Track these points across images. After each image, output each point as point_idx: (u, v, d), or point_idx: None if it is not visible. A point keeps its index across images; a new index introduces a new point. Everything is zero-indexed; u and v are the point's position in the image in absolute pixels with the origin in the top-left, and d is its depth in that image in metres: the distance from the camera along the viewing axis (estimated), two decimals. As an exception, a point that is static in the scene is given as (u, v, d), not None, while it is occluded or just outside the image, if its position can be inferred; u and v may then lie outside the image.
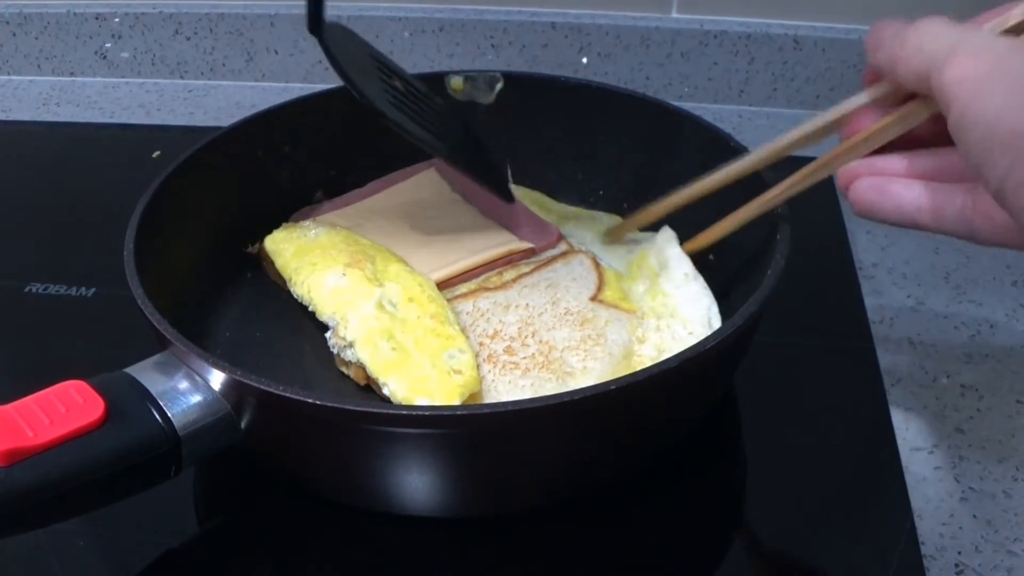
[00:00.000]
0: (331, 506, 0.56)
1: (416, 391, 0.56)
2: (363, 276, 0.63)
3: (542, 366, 0.59)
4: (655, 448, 0.57)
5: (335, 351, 0.62)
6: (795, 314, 0.68)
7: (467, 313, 0.64)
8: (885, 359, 0.66)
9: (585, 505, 0.56)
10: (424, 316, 0.61)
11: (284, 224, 0.71)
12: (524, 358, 0.60)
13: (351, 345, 0.60)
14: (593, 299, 0.64)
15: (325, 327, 0.63)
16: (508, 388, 0.59)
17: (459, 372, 0.58)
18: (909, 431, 0.62)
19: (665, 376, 0.49)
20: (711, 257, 0.67)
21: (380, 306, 0.61)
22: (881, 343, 0.68)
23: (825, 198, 0.81)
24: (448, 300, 0.65)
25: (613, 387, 0.48)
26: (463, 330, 0.62)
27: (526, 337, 0.62)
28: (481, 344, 0.62)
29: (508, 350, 0.61)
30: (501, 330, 0.62)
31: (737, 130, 0.92)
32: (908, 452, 0.60)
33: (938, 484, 0.59)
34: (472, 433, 0.49)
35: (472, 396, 0.57)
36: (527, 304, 0.64)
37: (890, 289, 0.74)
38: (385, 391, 0.58)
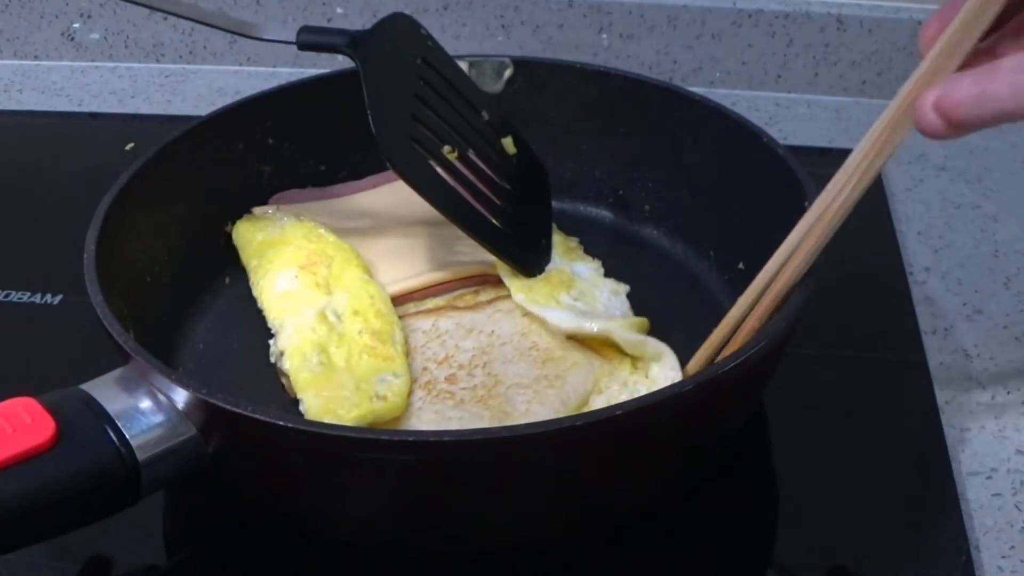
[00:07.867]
0: (310, 538, 0.55)
1: (327, 412, 0.57)
2: (314, 281, 0.64)
3: (480, 400, 0.58)
4: (670, 480, 0.56)
5: (273, 360, 0.63)
6: (837, 323, 0.68)
7: (423, 332, 0.64)
8: (938, 374, 0.66)
9: (591, 543, 0.55)
10: (366, 332, 0.61)
11: (247, 215, 0.71)
12: (464, 388, 0.59)
13: (283, 354, 0.61)
14: (571, 336, 0.62)
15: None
16: (433, 418, 0.58)
17: (383, 398, 0.58)
18: (965, 454, 0.61)
19: (677, 401, 0.48)
20: (741, 266, 0.66)
21: (322, 316, 0.62)
22: (934, 356, 0.67)
23: (872, 193, 0.80)
24: (410, 314, 0.65)
25: (619, 412, 0.47)
26: (410, 351, 0.62)
27: (475, 367, 0.61)
28: (425, 368, 0.61)
29: (450, 378, 0.60)
30: (453, 356, 0.62)
31: (774, 119, 0.92)
32: (964, 477, 0.60)
33: (997, 512, 0.58)
34: (463, 463, 0.48)
35: (391, 423, 0.57)
36: (492, 331, 0.63)
37: (944, 296, 0.73)
38: (301, 407, 0.58)
